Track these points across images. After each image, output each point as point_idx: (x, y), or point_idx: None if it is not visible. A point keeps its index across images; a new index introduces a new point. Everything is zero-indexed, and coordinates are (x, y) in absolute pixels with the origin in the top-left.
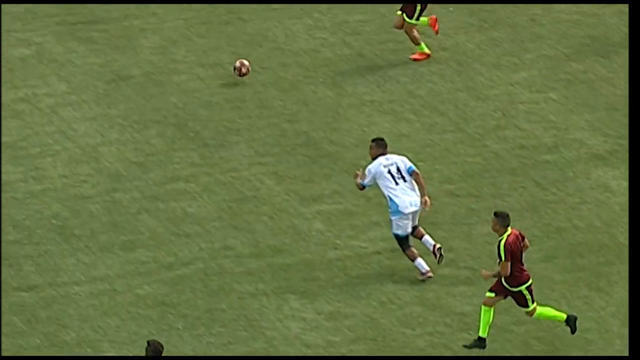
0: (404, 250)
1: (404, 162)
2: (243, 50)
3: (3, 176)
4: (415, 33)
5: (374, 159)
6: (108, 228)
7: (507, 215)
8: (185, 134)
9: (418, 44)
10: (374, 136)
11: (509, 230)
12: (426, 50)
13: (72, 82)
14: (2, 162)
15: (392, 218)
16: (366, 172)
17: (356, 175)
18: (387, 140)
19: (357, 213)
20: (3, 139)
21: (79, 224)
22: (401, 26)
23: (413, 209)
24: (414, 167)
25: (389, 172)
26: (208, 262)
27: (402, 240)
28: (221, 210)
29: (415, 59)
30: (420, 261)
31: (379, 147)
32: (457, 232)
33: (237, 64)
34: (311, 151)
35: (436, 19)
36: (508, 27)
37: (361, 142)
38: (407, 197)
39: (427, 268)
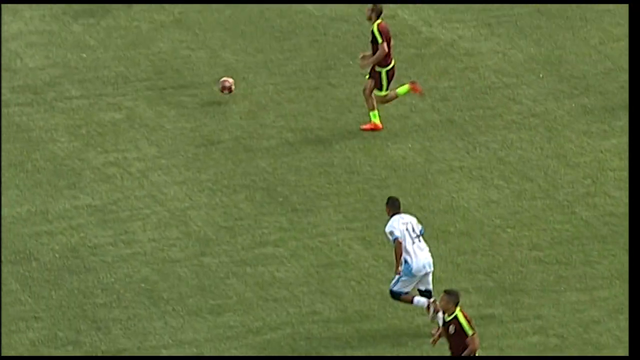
0: (399, 300)
1: (416, 224)
2: (332, 115)
3: (93, 239)
4: (370, 99)
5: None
6: (196, 292)
7: (458, 294)
8: (274, 199)
9: (372, 109)
10: (464, 203)
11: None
12: (377, 122)
13: (162, 146)
14: (92, 225)
15: (401, 278)
16: (388, 229)
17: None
18: (474, 205)
19: (445, 279)
20: (93, 202)
21: (167, 288)
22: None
23: (427, 270)
24: (423, 230)
25: (406, 229)
26: (296, 327)
27: (398, 295)
28: (309, 275)
29: (365, 129)
30: (418, 299)
31: (394, 207)
32: (546, 299)
33: (226, 84)
34: None
35: (415, 82)
36: (598, 94)
37: (450, 208)
38: (422, 258)
39: (428, 299)
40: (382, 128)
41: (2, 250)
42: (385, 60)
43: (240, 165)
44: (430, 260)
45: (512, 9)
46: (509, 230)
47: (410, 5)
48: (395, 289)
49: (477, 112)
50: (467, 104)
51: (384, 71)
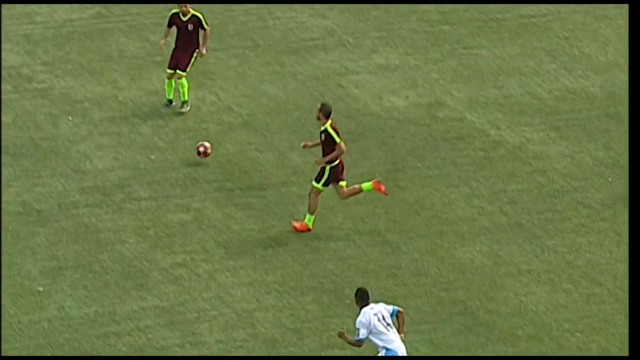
0: None
1: (386, 309)
2: (400, 217)
3: (160, 341)
4: (314, 200)
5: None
6: None
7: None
8: (341, 301)
9: (312, 213)
10: (532, 306)
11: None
12: (309, 225)
13: (229, 247)
14: (159, 327)
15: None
16: (358, 325)
17: (341, 334)
18: (542, 309)
19: None
20: (161, 303)
21: None
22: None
23: (405, 353)
24: (397, 308)
25: (378, 320)
26: None
27: None
28: None
29: (294, 227)
30: None
31: (362, 299)
32: None
33: (200, 149)
34: (467, 320)
35: (379, 181)
36: None
37: (518, 311)
38: (400, 345)
39: None
40: (310, 230)
41: (70, 350)
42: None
43: (308, 267)
44: (403, 348)
45: (580, 112)
46: (577, 334)
47: (479, 108)
48: None
49: (546, 215)
50: (535, 207)
51: (328, 167)
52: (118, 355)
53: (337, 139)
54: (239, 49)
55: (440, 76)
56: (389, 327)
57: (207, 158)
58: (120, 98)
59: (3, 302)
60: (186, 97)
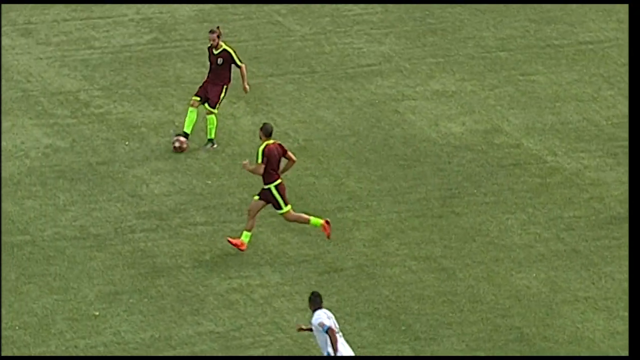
0: None
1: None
2: (455, 243)
3: None
4: (297, 218)
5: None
6: None
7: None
8: (396, 327)
9: (248, 230)
10: (589, 334)
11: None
12: (245, 242)
13: (285, 273)
14: (215, 352)
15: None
16: (318, 322)
17: (300, 328)
18: (599, 337)
19: None
20: (216, 329)
21: None
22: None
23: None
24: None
25: (332, 323)
26: None
27: None
28: None
29: (229, 241)
30: None
31: (316, 302)
32: None
33: (176, 144)
34: (523, 347)
35: (329, 223)
36: None
37: (574, 339)
38: (348, 352)
39: None
40: (245, 249)
41: None
42: (270, 178)
43: (363, 292)
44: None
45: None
46: None
47: (536, 135)
48: None
49: (603, 242)
50: (592, 233)
51: (272, 187)
52: None
53: (259, 160)
54: (296, 75)
55: (497, 102)
56: (339, 334)
57: (182, 153)
58: (177, 123)
59: (60, 326)
60: (212, 135)
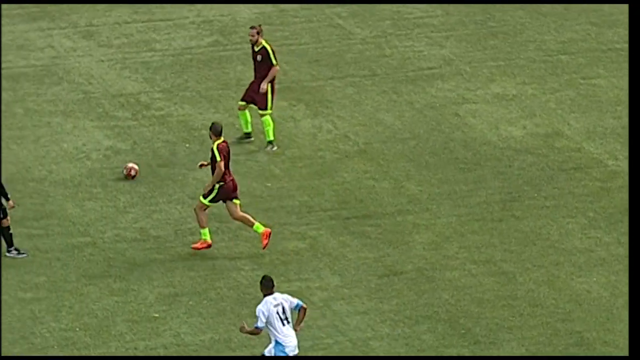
0: None
1: (289, 302)
2: (516, 247)
3: None
4: (201, 214)
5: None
6: None
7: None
8: (456, 331)
9: (203, 227)
10: None
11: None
12: (208, 239)
13: (345, 275)
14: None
15: (273, 353)
16: (258, 313)
17: (242, 327)
18: None
19: None
20: None
21: None
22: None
23: (296, 352)
24: (301, 303)
25: (277, 312)
26: None
27: None
28: None
29: (195, 248)
30: None
31: (267, 287)
32: None
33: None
34: (584, 351)
35: (269, 234)
36: None
37: None
38: (292, 341)
39: None
40: (210, 246)
41: None
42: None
43: (423, 296)
44: (296, 343)
45: None
46: None
47: (597, 139)
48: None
49: None
50: None
51: (217, 186)
52: None
53: (218, 158)
54: (356, 78)
55: (557, 106)
56: (285, 322)
57: (133, 179)
58: (237, 126)
59: (120, 328)
60: (271, 137)
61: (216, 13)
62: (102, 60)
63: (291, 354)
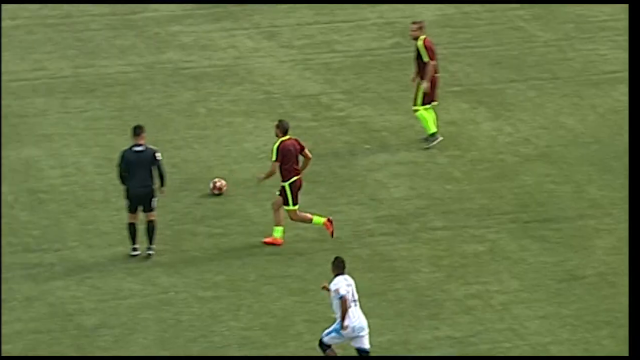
0: (323, 351)
1: (355, 290)
2: None
3: None
4: (299, 217)
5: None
6: None
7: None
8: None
9: (277, 224)
10: None
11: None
12: (278, 237)
13: (524, 280)
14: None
15: (332, 332)
16: (333, 289)
17: (325, 287)
18: None
19: None
20: (454, 334)
21: None
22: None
23: (358, 333)
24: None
25: (348, 292)
26: None
27: (325, 346)
28: None
29: (265, 242)
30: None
31: (338, 267)
32: None
33: (214, 184)
34: None
35: (332, 221)
36: None
37: None
38: (356, 321)
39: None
40: (282, 244)
41: None
42: (287, 175)
43: (605, 301)
44: (364, 324)
45: None
46: None
47: None
48: (325, 339)
49: None
50: None
51: (286, 185)
52: None
53: (274, 158)
54: (538, 81)
55: None
56: (354, 303)
57: (222, 195)
58: (417, 127)
59: (298, 327)
60: (431, 130)
61: (398, 15)
62: (284, 61)
63: (347, 335)
